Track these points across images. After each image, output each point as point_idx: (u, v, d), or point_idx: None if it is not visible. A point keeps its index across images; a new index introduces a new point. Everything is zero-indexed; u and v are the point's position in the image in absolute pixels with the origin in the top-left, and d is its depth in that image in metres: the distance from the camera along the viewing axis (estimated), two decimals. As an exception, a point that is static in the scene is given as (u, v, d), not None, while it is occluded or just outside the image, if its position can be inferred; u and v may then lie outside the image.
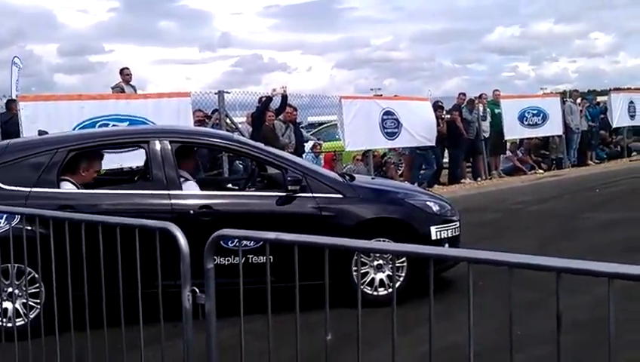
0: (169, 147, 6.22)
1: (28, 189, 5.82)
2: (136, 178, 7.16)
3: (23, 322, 4.91)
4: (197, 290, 3.14)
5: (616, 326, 2.18)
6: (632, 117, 21.18)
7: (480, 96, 17.72)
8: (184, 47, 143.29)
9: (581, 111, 19.46)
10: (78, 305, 3.78)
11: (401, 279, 6.02)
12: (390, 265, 6.11)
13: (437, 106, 16.54)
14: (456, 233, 6.71)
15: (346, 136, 14.49)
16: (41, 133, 6.64)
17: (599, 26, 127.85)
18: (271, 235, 3.07)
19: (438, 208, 6.74)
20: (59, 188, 5.97)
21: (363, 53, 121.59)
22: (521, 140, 19.15)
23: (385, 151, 17.11)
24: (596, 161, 20.28)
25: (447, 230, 6.57)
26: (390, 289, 5.80)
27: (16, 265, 4.65)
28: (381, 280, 6.25)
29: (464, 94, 17.51)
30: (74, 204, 5.80)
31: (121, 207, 5.87)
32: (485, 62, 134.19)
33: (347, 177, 6.96)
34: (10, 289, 5.11)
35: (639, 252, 7.68)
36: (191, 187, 6.36)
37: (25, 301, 4.93)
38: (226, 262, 5.69)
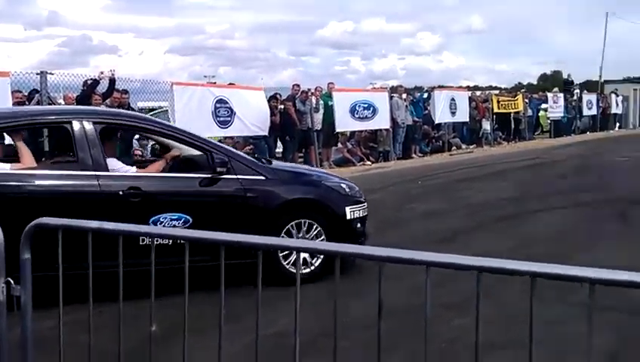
0: (93, 128, 6.09)
1: None
2: (52, 159, 6.72)
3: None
4: (12, 281, 2.95)
5: (432, 311, 2.32)
6: (453, 113, 22.49)
7: (315, 89, 18.11)
8: (7, 23, 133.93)
9: (407, 106, 20.40)
10: None
11: (320, 261, 6.38)
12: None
13: (271, 97, 16.67)
14: (365, 213, 7.05)
15: (177, 123, 14.18)
16: None
17: (427, 27, 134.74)
18: (93, 224, 2.94)
19: (349, 189, 7.09)
20: None
21: (198, 39, 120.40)
22: (352, 133, 19.77)
23: (219, 139, 16.97)
24: (420, 155, 21.29)
25: (358, 210, 6.94)
26: (312, 268, 6.38)
27: None
28: (304, 259, 6.28)
29: (298, 85, 17.78)
30: (2, 183, 5.68)
31: (49, 188, 5.85)
32: (319, 56, 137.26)
33: (265, 161, 7.19)
34: None
35: (453, 241, 8.22)
36: (117, 168, 6.26)
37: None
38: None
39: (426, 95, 22.87)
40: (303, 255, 5.65)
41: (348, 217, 6.80)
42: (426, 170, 17.47)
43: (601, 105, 32.86)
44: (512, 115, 26.02)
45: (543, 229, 9.09)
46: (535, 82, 78.04)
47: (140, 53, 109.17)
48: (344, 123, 18.42)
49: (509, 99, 26.39)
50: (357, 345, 3.97)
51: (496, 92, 31.06)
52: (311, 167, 9.60)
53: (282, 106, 16.94)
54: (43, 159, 6.61)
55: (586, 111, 31.38)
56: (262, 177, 6.58)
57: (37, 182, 5.90)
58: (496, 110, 24.88)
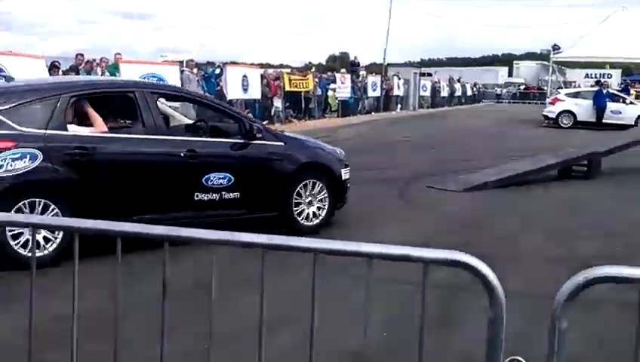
0: (153, 98, 7.03)
1: (42, 131, 6.17)
2: (123, 123, 7.33)
3: (43, 253, 5.71)
4: None
5: (218, 289, 2.30)
6: (245, 90, 22.57)
7: (101, 60, 17.28)
8: None
9: (198, 81, 20.14)
10: None
11: (326, 209, 7.87)
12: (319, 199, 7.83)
13: (52, 66, 15.66)
14: (349, 175, 8.30)
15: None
16: (8, 79, 7.28)
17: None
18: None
19: (341, 154, 8.37)
20: (67, 130, 6.36)
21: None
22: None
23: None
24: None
25: (347, 172, 8.24)
26: (319, 219, 7.83)
27: (38, 200, 5.92)
28: (313, 213, 7.80)
29: (82, 55, 16.89)
30: (89, 145, 6.38)
31: (129, 149, 6.67)
32: (106, 25, 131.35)
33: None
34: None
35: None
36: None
37: (45, 235, 5.82)
38: (207, 198, 7.02)
39: (218, 70, 22.72)
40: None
41: (342, 178, 8.10)
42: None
43: (384, 87, 34.77)
44: (302, 93, 26.65)
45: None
46: (324, 62, 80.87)
47: None
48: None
49: (300, 78, 27.02)
50: (140, 326, 3.86)
51: (288, 70, 31.66)
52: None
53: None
54: (109, 125, 6.96)
55: (371, 93, 33.06)
56: (282, 143, 7.69)
57: (115, 144, 6.65)
58: (287, 88, 25.35)
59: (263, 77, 24.29)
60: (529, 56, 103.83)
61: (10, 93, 6.39)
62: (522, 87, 69.68)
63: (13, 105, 6.15)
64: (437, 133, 22.97)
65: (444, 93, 46.58)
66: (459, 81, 52.25)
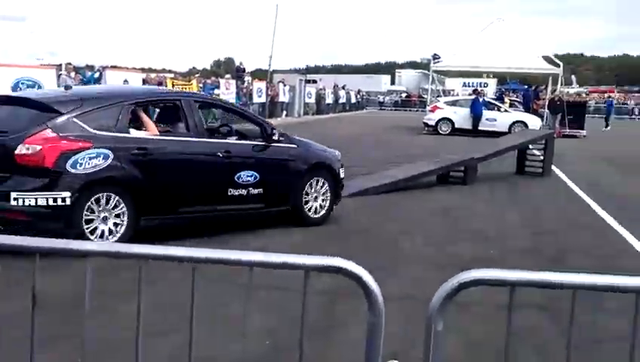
0: (196, 105, 8.18)
1: (112, 133, 7.11)
2: (169, 126, 8.16)
3: (116, 236, 6.88)
4: None
5: (95, 300, 2.22)
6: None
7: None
8: None
9: (76, 85, 19.44)
10: None
11: (327, 204, 9.06)
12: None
13: None
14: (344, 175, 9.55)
15: None
16: (67, 87, 8.18)
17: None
18: None
19: (337, 155, 9.52)
20: (129, 133, 7.35)
21: None
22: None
23: None
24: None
25: (343, 171, 9.47)
26: (323, 212, 8.99)
27: (107, 193, 6.89)
28: (318, 206, 8.94)
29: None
30: (148, 146, 7.34)
31: (180, 150, 7.66)
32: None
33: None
34: (103, 214, 6.90)
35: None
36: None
37: (114, 222, 6.94)
38: (237, 193, 8.06)
39: (97, 74, 22.01)
40: None
41: (340, 176, 9.31)
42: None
43: (270, 93, 34.81)
44: (186, 99, 26.23)
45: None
46: (209, 67, 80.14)
47: None
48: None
49: (184, 83, 26.65)
50: (8, 341, 3.67)
51: (171, 75, 31.14)
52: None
53: None
54: (158, 128, 7.94)
55: (256, 99, 32.99)
56: (295, 146, 8.80)
57: (167, 145, 7.61)
58: (170, 93, 24.88)
59: (145, 81, 23.67)
60: (411, 64, 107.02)
61: (84, 100, 7.28)
62: (404, 95, 71.74)
63: (88, 110, 7.13)
64: (321, 140, 23.06)
65: (329, 100, 47.18)
66: (343, 88, 53.11)
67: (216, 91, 29.22)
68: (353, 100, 55.55)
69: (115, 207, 6.97)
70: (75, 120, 6.98)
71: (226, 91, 29.32)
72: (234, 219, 8.36)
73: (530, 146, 15.93)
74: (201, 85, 27.72)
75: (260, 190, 8.24)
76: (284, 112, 37.36)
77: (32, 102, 7.34)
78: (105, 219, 6.91)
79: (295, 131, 10.43)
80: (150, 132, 7.66)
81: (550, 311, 5.51)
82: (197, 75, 33.11)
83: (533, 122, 27.90)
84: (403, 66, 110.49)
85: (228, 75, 33.71)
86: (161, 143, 7.56)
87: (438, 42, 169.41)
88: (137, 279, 2.23)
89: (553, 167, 15.52)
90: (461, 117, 28.29)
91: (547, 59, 31.71)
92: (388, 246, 7.98)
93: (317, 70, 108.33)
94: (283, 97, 36.95)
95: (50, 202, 6.56)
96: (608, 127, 35.59)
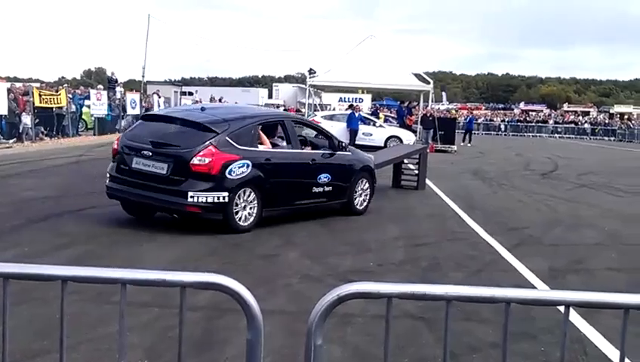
0: (293, 124, 10.87)
1: (250, 148, 9.53)
2: (275, 141, 10.56)
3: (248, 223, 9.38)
4: None
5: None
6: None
7: None
8: None
9: None
10: None
11: (367, 199, 11.79)
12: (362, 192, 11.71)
13: None
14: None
15: None
16: (202, 109, 10.36)
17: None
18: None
19: (373, 160, 12.20)
20: (257, 147, 9.76)
21: None
22: None
23: None
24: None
25: (375, 174, 12.18)
26: (365, 204, 11.75)
27: (249, 189, 9.33)
28: (362, 201, 11.62)
29: None
30: (270, 158, 9.78)
31: (288, 159, 10.20)
32: None
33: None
34: (243, 205, 9.32)
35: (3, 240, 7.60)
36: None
37: (248, 212, 9.40)
38: (317, 190, 10.73)
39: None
40: None
41: (375, 177, 12.03)
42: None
43: (144, 104, 34.02)
44: (54, 110, 25.15)
45: (86, 229, 8.99)
46: (79, 77, 77.37)
47: None
48: None
49: (52, 93, 25.45)
50: None
51: (38, 85, 29.71)
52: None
53: None
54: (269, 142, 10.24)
55: (130, 110, 32.11)
56: (350, 153, 11.46)
57: (281, 156, 10.10)
58: (37, 104, 23.72)
59: (9, 91, 22.43)
60: (288, 78, 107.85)
61: (229, 122, 9.50)
62: (282, 108, 72.13)
63: (233, 130, 9.39)
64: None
65: (206, 112, 46.60)
66: (220, 100, 52.69)
67: (86, 102, 28.21)
68: (231, 114, 55.14)
69: (251, 201, 9.36)
70: (227, 138, 9.24)
71: (97, 102, 28.30)
72: (312, 210, 10.77)
73: (406, 161, 16.37)
74: (70, 96, 26.58)
75: (330, 188, 10.85)
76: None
77: (190, 122, 9.49)
78: (244, 207, 9.29)
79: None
80: (266, 146, 9.97)
81: (427, 320, 5.64)
82: (66, 85, 31.74)
83: (408, 137, 28.75)
84: (280, 80, 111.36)
85: (100, 86, 32.61)
86: (278, 155, 10.05)
87: (314, 57, 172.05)
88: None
89: (427, 181, 16.01)
90: (338, 131, 28.67)
91: (418, 76, 32.65)
92: (268, 259, 7.93)
93: (193, 82, 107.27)
94: (158, 109, 36.20)
95: (215, 200, 8.92)
96: (470, 143, 37.14)
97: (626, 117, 73.76)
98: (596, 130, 60.49)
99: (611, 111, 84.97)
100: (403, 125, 31.09)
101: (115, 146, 9.66)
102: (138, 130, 9.94)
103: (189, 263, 7.41)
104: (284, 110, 68.53)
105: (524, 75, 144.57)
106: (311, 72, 34.68)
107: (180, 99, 40.64)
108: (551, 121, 62.96)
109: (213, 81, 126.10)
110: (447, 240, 9.65)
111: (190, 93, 47.36)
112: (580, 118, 68.51)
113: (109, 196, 9.59)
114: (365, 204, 11.66)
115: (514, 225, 11.20)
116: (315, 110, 34.64)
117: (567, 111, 79.30)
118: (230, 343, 4.85)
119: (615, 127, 62.02)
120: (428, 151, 17.19)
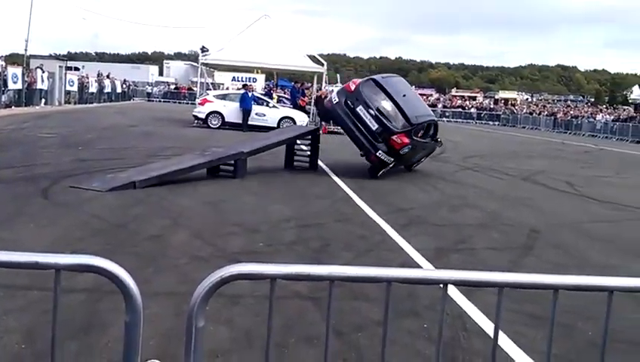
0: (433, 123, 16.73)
1: (418, 139, 15.46)
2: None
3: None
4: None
5: None
6: None
7: None
8: None
9: None
10: None
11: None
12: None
13: None
14: None
15: None
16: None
17: None
18: None
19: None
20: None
21: None
22: None
23: None
24: None
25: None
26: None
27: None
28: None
29: None
30: (416, 145, 15.45)
31: (425, 146, 16.29)
32: None
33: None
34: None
35: None
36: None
37: None
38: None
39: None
40: None
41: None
42: None
43: (27, 79, 32.50)
44: None
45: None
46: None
47: None
48: None
49: None
50: None
51: None
52: None
53: None
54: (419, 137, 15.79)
55: (11, 85, 30.64)
56: (432, 140, 16.48)
57: (422, 144, 16.01)
58: None
59: None
60: (179, 56, 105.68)
61: (418, 118, 15.21)
62: (173, 86, 70.74)
63: (418, 125, 14.99)
64: (85, 131, 22.08)
65: (93, 88, 45.08)
66: (108, 77, 51.06)
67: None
68: (119, 90, 53.55)
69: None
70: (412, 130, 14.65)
71: (-23, 76, 26.85)
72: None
73: (298, 141, 16.45)
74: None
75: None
76: (43, 100, 35.08)
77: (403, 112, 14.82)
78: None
79: (55, 121, 9.76)
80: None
81: (316, 299, 5.70)
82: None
83: (301, 118, 28.85)
84: (171, 58, 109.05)
85: (-21, 59, 30.87)
86: (420, 143, 15.46)
87: (205, 35, 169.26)
88: None
89: (319, 162, 16.15)
90: (231, 111, 28.46)
91: (312, 58, 32.84)
92: (154, 240, 7.77)
93: (79, 57, 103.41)
94: (41, 84, 34.67)
95: (390, 160, 14.56)
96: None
97: (510, 102, 77.08)
98: (482, 115, 62.99)
99: (496, 96, 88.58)
100: (296, 106, 31.15)
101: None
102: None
103: (70, 245, 7.15)
104: (176, 88, 67.64)
105: (416, 59, 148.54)
106: (203, 49, 33.97)
107: (65, 74, 39.00)
108: (439, 105, 64.89)
109: (101, 57, 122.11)
110: (337, 220, 9.77)
111: (77, 69, 45.62)
112: (467, 102, 71.03)
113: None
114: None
115: (402, 205, 11.48)
116: (207, 89, 34.08)
117: (455, 96, 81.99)
118: (112, 326, 4.72)
119: (500, 112, 64.71)
120: (321, 132, 17.30)
